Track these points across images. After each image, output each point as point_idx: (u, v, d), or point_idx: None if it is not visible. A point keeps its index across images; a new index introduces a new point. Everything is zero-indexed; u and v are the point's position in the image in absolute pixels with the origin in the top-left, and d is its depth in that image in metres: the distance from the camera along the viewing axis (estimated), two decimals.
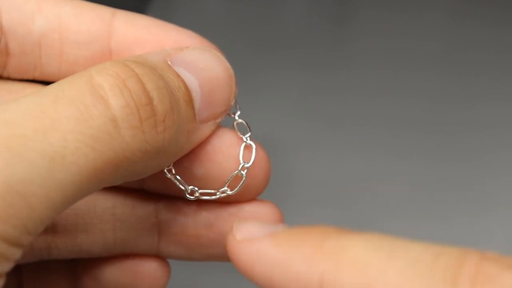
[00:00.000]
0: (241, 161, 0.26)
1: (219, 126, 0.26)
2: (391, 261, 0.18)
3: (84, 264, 0.28)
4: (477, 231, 0.45)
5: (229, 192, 0.26)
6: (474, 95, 0.55)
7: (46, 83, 0.25)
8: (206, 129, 0.25)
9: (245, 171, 0.26)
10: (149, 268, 0.27)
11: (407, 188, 0.48)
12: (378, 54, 0.58)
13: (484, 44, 0.58)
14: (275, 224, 0.22)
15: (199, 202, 0.26)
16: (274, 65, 0.56)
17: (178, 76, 0.24)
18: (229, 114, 0.26)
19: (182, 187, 0.25)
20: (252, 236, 0.20)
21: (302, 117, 0.52)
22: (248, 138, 0.26)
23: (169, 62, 0.24)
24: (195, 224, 0.26)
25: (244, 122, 0.26)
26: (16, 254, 0.20)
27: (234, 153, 0.26)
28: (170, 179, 0.25)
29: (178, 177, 0.25)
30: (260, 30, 0.59)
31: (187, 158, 0.25)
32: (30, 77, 0.26)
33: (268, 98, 0.53)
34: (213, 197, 0.26)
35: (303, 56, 0.57)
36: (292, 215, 0.46)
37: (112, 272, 0.27)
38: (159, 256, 0.27)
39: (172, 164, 0.25)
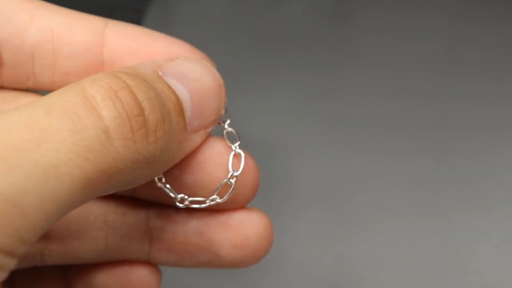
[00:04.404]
0: (230, 170, 0.26)
1: (209, 135, 0.26)
2: None
3: (77, 270, 0.28)
4: (475, 230, 0.45)
5: (218, 200, 0.26)
6: (473, 95, 0.54)
7: (40, 93, 0.26)
8: (196, 138, 0.25)
9: (234, 179, 0.26)
10: (141, 274, 0.28)
11: (407, 188, 0.48)
12: (378, 54, 0.58)
13: (484, 44, 0.58)
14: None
15: (189, 210, 0.27)
16: (274, 66, 0.56)
17: (169, 86, 0.24)
18: (219, 123, 0.26)
19: (172, 195, 0.26)
20: None
21: (302, 117, 0.52)
22: (237, 147, 0.26)
23: (160, 73, 0.24)
24: (185, 231, 0.27)
25: (233, 131, 0.26)
26: (10, 264, 0.20)
27: (223, 162, 0.26)
28: (161, 187, 0.26)
29: (168, 185, 0.26)
30: (260, 31, 0.59)
31: (177, 167, 0.25)
32: (24, 87, 0.26)
33: (268, 99, 0.53)
34: (203, 205, 0.26)
35: (303, 56, 0.57)
36: (292, 215, 0.46)
37: (104, 278, 0.28)
38: (151, 263, 0.28)
39: (162, 173, 0.25)
